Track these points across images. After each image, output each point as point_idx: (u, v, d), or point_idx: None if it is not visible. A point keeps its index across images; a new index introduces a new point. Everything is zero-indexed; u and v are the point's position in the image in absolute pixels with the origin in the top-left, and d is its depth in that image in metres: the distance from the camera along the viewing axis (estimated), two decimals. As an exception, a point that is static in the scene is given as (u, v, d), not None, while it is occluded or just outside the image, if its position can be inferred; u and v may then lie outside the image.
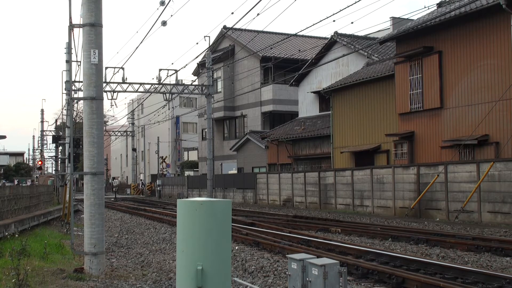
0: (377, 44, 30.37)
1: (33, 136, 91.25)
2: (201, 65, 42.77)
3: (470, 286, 7.80)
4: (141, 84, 30.18)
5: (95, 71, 9.51)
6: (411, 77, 23.92)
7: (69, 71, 24.78)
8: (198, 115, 51.48)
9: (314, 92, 34.65)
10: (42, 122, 56.33)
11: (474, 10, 20.36)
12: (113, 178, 69.87)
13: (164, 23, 20.26)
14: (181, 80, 42.75)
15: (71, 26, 10.90)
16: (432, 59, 22.82)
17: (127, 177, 77.24)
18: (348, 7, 17.15)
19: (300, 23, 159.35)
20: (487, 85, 20.57)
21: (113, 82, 29.21)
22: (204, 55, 32.74)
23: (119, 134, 66.92)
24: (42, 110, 56.59)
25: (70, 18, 13.01)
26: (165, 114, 46.25)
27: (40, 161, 59.14)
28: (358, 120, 28.02)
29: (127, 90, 29.54)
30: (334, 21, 28.52)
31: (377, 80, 26.47)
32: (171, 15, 19.96)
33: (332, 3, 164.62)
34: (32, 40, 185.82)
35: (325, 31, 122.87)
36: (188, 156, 63.71)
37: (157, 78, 29.96)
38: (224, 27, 43.79)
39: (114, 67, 28.77)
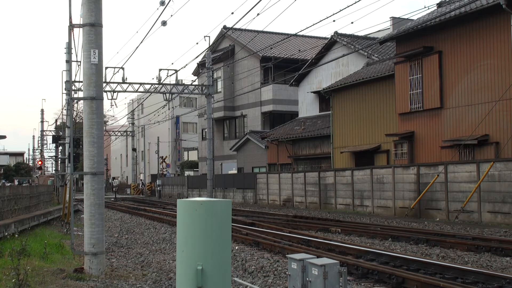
0: (377, 44, 30.35)
1: (33, 136, 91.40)
2: (201, 65, 42.76)
3: (470, 286, 7.79)
4: (141, 84, 30.17)
5: (95, 71, 9.52)
6: (411, 77, 23.92)
7: (69, 71, 24.79)
8: (198, 115, 51.46)
9: (314, 92, 34.66)
10: (42, 122, 56.45)
11: (474, 10, 20.36)
12: (113, 178, 69.87)
13: (164, 23, 20.26)
14: (181, 80, 42.81)
15: (71, 26, 10.91)
16: (432, 59, 22.82)
17: (127, 177, 77.23)
18: (348, 7, 17.16)
19: (300, 23, 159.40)
20: (487, 85, 20.57)
21: (113, 82, 29.20)
22: (204, 55, 32.73)
23: (119, 134, 66.91)
24: (42, 110, 56.81)
25: (70, 18, 13.01)
26: (165, 114, 46.21)
27: (40, 160, 59.18)
28: (358, 120, 28.02)
29: (127, 90, 29.53)
30: (334, 21, 28.46)
31: (377, 80, 26.47)
32: (171, 15, 19.97)
33: (332, 3, 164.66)
34: (32, 40, 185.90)
35: (325, 31, 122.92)
36: (188, 156, 63.70)
37: (157, 78, 29.96)
38: (224, 27, 43.78)
39: (114, 67, 28.77)
